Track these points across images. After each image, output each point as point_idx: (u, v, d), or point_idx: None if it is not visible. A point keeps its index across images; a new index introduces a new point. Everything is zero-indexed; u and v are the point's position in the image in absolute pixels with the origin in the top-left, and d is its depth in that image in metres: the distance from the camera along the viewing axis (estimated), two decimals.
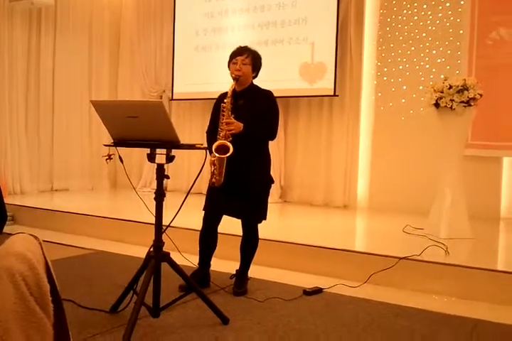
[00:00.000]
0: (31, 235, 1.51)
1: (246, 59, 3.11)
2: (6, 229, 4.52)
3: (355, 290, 3.25)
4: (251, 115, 3.05)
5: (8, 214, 4.66)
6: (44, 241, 1.53)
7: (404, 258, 3.37)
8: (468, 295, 3.15)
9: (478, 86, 3.94)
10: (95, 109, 2.58)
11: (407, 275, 3.35)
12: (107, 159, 2.84)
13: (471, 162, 4.77)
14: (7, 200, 4.87)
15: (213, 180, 3.00)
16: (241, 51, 3.15)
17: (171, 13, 6.79)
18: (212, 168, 2.99)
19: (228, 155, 2.88)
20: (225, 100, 3.03)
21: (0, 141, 6.00)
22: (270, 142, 3.23)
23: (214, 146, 2.92)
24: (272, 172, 3.27)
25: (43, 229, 4.80)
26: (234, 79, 3.08)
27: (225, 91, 3.13)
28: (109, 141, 2.65)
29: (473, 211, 4.24)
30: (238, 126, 2.99)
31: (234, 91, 3.11)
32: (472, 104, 3.95)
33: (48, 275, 1.43)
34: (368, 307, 2.98)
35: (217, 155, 2.92)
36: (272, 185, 3.25)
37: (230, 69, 3.15)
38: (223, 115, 3.01)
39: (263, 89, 3.19)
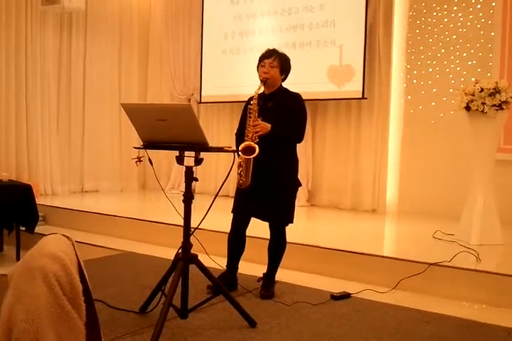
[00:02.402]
0: (64, 235, 1.53)
1: (274, 61, 3.13)
2: (38, 229, 4.62)
3: (383, 296, 3.21)
4: (279, 117, 3.06)
5: (39, 214, 4.76)
6: None
7: (434, 264, 3.32)
8: (500, 302, 3.08)
9: (510, 89, 3.86)
10: (126, 112, 2.61)
11: (437, 282, 3.30)
12: (136, 161, 2.86)
13: (503, 166, 4.66)
14: (39, 201, 4.98)
15: (240, 181, 3.01)
16: (269, 54, 3.17)
17: (199, 17, 6.85)
18: (239, 170, 3.00)
19: (254, 156, 2.89)
20: (252, 102, 3.05)
21: (32, 143, 6.13)
22: (298, 145, 3.23)
23: (240, 147, 2.94)
24: (299, 176, 3.26)
25: (73, 230, 4.90)
26: (262, 81, 3.11)
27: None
28: (139, 143, 2.69)
29: (505, 217, 4.14)
30: (265, 127, 3.00)
31: (263, 93, 3.16)
32: (504, 107, 3.87)
33: (81, 275, 1.45)
34: (396, 313, 2.94)
35: (243, 156, 2.93)
36: (299, 188, 3.25)
37: (258, 72, 3.18)
38: (250, 117, 3.03)
39: (292, 92, 3.20)
